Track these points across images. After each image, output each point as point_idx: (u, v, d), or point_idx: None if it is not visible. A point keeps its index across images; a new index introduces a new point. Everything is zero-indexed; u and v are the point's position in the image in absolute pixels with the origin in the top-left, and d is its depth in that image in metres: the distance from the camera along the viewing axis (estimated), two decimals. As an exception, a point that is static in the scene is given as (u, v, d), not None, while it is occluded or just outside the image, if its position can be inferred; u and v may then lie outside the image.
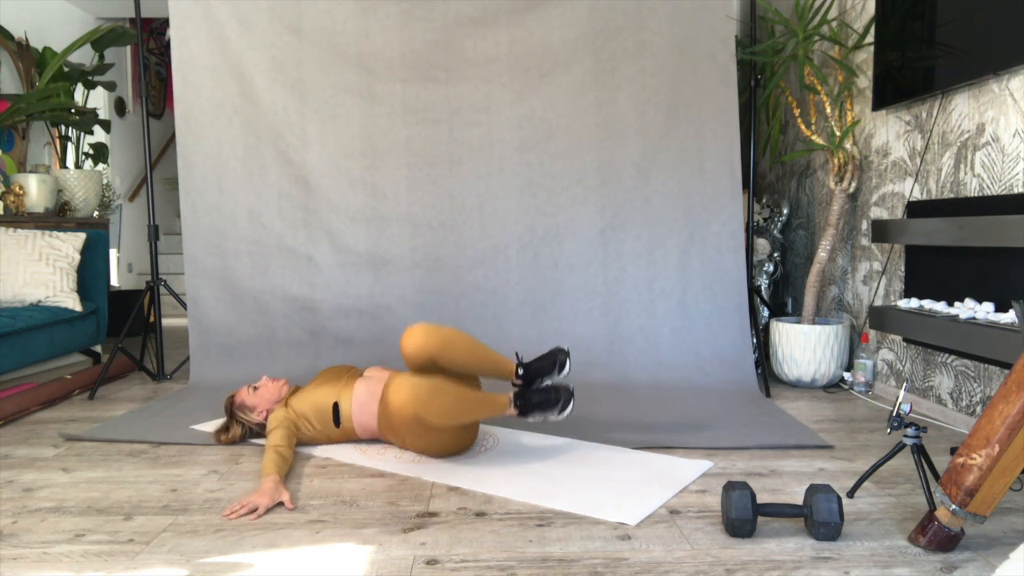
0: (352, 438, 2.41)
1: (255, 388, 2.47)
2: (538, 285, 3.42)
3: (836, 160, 3.27)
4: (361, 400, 2.33)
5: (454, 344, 2.19)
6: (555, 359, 2.29)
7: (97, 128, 5.60)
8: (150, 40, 7.19)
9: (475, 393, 2.17)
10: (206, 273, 3.47)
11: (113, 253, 6.02)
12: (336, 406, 2.33)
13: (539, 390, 2.24)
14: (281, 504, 1.93)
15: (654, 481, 2.08)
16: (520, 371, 2.28)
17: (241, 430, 2.46)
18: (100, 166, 5.22)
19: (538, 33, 3.38)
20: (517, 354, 2.35)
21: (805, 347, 3.22)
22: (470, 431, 2.30)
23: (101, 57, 4.69)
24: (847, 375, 3.29)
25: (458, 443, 2.27)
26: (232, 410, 2.47)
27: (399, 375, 2.12)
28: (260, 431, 2.47)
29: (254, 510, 1.87)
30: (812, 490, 1.71)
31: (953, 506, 1.58)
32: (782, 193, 4.21)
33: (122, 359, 3.69)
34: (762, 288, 3.89)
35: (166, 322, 5.61)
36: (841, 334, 3.22)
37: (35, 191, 4.03)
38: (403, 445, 2.31)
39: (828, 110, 3.23)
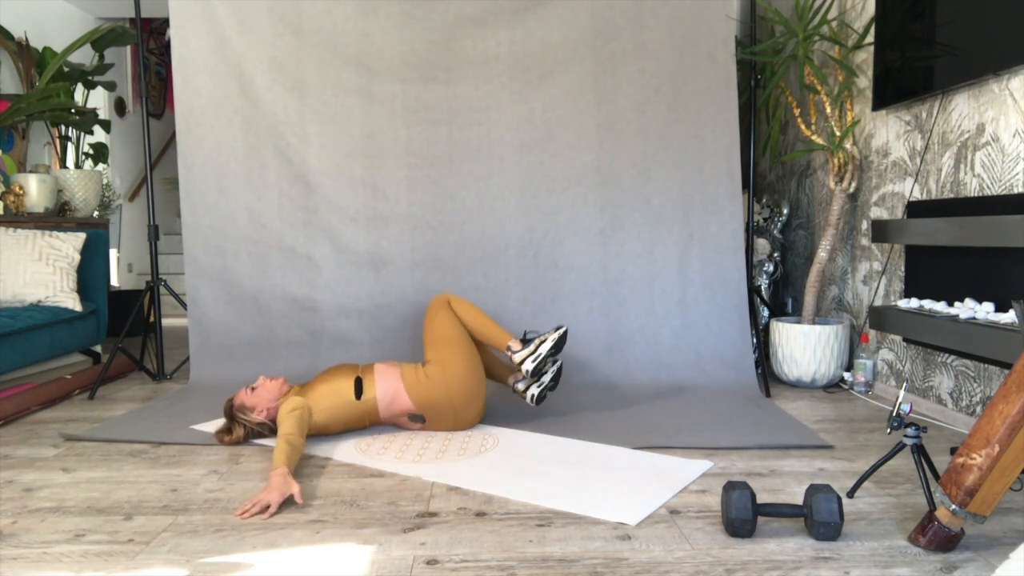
0: (369, 414, 2.48)
1: (252, 389, 2.47)
2: (538, 285, 3.42)
3: (836, 160, 3.27)
4: (384, 372, 2.52)
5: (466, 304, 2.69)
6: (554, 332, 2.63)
7: (97, 128, 5.60)
8: (150, 40, 7.19)
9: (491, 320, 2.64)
10: (206, 273, 3.47)
11: (113, 253, 6.02)
12: (359, 380, 2.48)
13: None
14: (292, 498, 1.93)
15: (654, 481, 2.08)
16: (521, 337, 2.64)
17: (243, 431, 2.46)
18: (100, 166, 5.21)
19: (538, 33, 3.38)
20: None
21: (805, 347, 3.22)
22: (479, 370, 2.57)
23: (101, 57, 4.69)
24: (847, 375, 3.29)
25: (471, 370, 2.54)
26: (232, 412, 2.47)
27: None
28: (262, 431, 2.47)
29: (266, 507, 1.87)
30: (812, 490, 1.71)
31: (953, 506, 1.58)
32: (782, 193, 4.21)
33: (122, 359, 3.69)
34: (762, 288, 3.89)
35: (166, 322, 5.61)
36: (841, 334, 3.23)
37: (35, 191, 4.03)
38: (426, 380, 2.48)
39: (828, 110, 3.23)
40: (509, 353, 2.59)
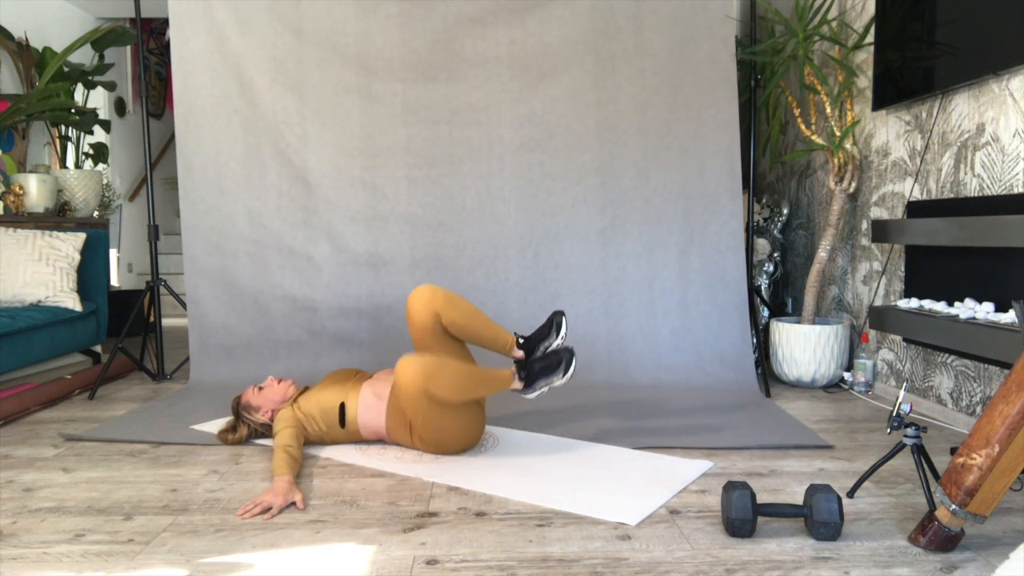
0: (357, 439, 2.41)
1: (260, 388, 2.47)
2: (538, 285, 3.42)
3: (836, 160, 3.27)
4: (368, 402, 2.33)
5: (457, 302, 2.33)
6: (551, 323, 2.35)
7: (97, 128, 5.59)
8: (150, 40, 7.19)
9: (480, 369, 2.23)
10: (206, 273, 3.47)
11: (113, 253, 6.02)
12: (342, 407, 2.34)
13: (540, 358, 2.28)
14: (293, 504, 1.93)
15: (654, 481, 2.08)
16: (520, 341, 2.35)
17: (247, 430, 2.45)
18: (100, 166, 5.21)
19: (538, 33, 3.38)
20: (516, 334, 2.40)
21: (805, 347, 3.22)
22: (477, 422, 2.31)
23: (101, 57, 4.69)
24: (847, 375, 3.29)
25: (467, 434, 2.28)
26: (239, 410, 2.47)
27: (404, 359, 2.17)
28: (264, 432, 2.47)
29: (268, 509, 1.87)
30: (812, 490, 1.71)
31: (953, 506, 1.58)
32: (782, 193, 4.21)
33: (122, 359, 3.69)
34: (762, 288, 3.89)
35: (166, 322, 5.61)
36: (841, 334, 3.22)
37: (35, 191, 4.03)
38: (411, 442, 2.31)
39: (828, 110, 3.23)
40: (512, 390, 2.30)
